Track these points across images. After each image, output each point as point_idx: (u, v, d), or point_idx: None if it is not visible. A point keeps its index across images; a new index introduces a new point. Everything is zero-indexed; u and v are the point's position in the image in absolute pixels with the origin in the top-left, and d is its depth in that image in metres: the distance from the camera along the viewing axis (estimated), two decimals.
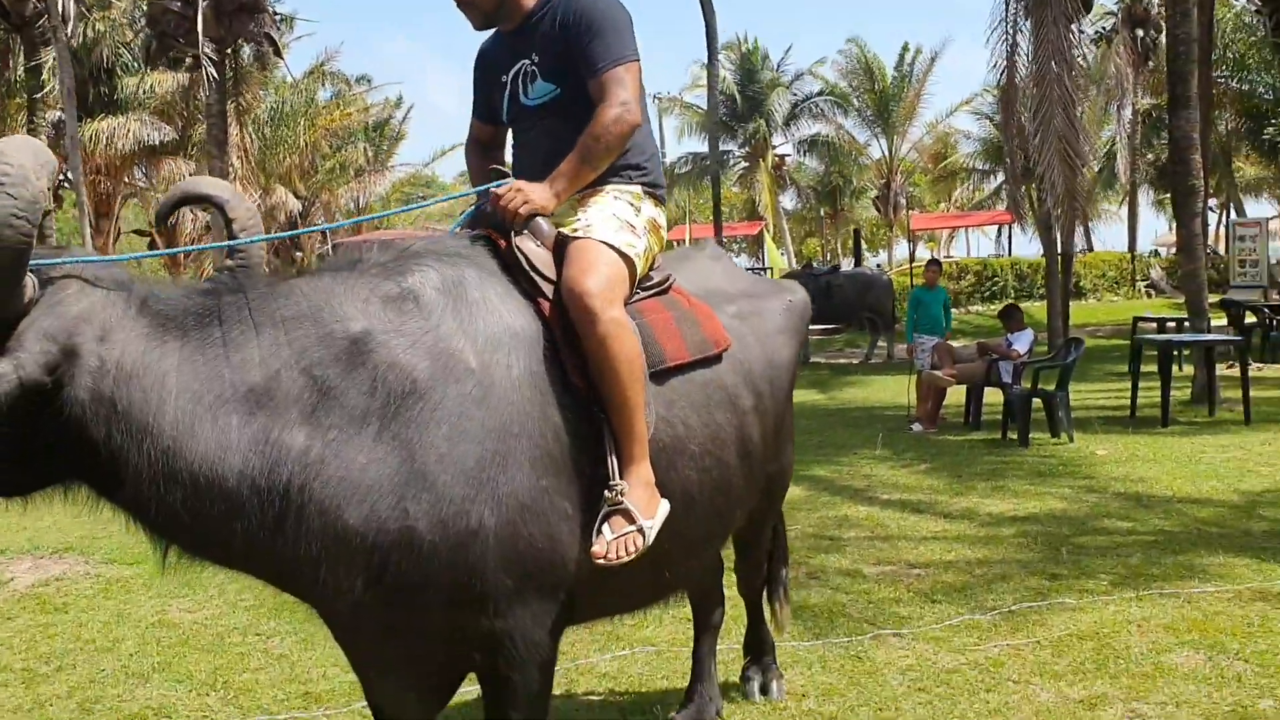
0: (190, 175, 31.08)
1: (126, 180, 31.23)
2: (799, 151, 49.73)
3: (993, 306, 30.34)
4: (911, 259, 33.41)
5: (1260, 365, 14.79)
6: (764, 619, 4.23)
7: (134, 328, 2.32)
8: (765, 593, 4.20)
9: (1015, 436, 9.95)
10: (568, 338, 2.68)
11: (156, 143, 28.11)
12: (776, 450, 3.50)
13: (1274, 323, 17.13)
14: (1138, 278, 35.80)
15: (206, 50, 16.20)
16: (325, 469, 2.34)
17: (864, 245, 54.72)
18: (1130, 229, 40.62)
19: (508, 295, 2.69)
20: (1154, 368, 11.53)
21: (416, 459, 2.39)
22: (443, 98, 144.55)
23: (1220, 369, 11.92)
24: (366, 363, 2.42)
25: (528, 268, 2.74)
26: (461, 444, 2.44)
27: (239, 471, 2.31)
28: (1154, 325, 17.15)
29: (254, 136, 24.31)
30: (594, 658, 4.67)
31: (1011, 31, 22.01)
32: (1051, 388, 10.15)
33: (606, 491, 2.64)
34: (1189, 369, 13.28)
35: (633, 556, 2.59)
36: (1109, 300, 33.41)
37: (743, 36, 48.25)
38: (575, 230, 2.86)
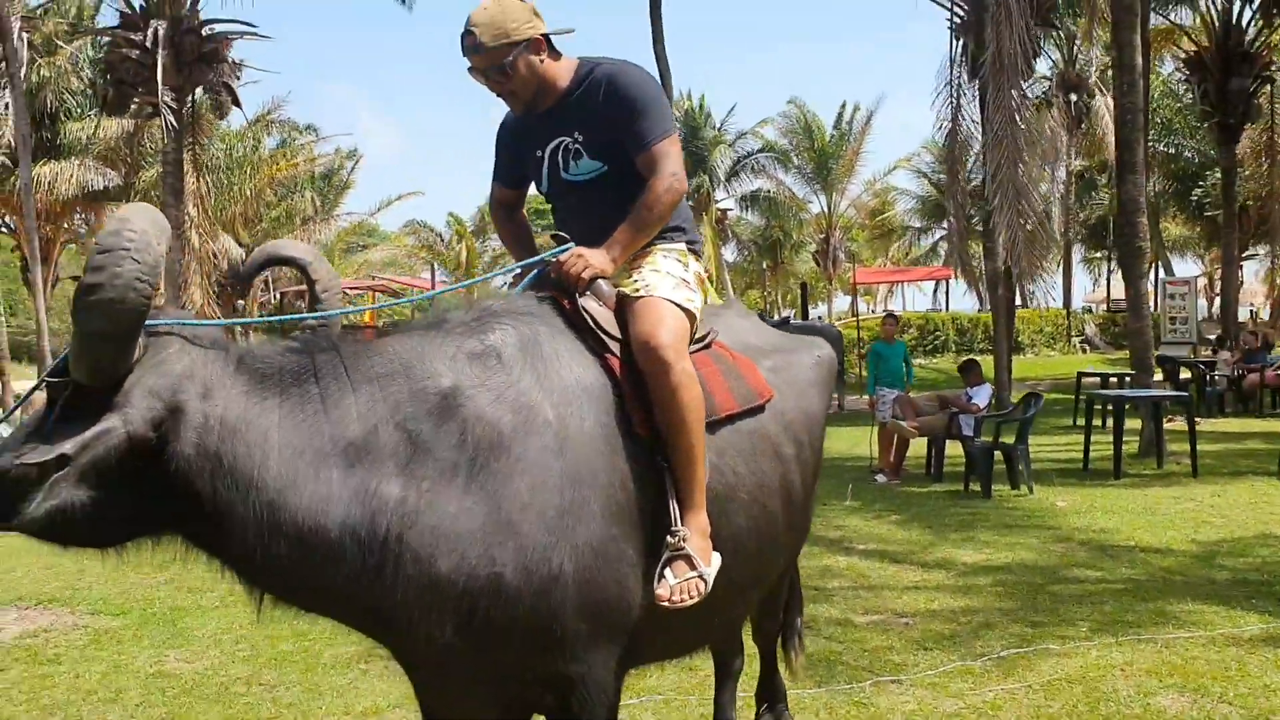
0: None
1: (66, 226, 30.83)
2: (741, 206, 50.54)
3: (935, 360, 31.03)
4: (855, 313, 34.03)
5: (1198, 420, 15.31)
6: (777, 667, 4.36)
7: (234, 385, 2.41)
8: (780, 640, 4.33)
9: (978, 488, 10.24)
10: (634, 391, 2.83)
11: (100, 188, 27.82)
12: (810, 499, 3.67)
13: (1209, 378, 17.77)
14: (1073, 333, 36.79)
15: (166, 99, 16.15)
16: (420, 519, 2.44)
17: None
18: (1065, 287, 41.82)
19: (576, 352, 2.84)
20: (1099, 421, 11.95)
21: (502, 508, 2.51)
22: (380, 149, 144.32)
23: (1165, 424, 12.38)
24: (456, 416, 2.53)
25: (594, 326, 2.89)
26: (543, 494, 2.56)
27: (341, 522, 2.40)
28: (1097, 380, 17.70)
29: (210, 185, 24.13)
30: None
31: (956, 94, 22.86)
32: (1011, 441, 10.47)
33: (669, 537, 2.77)
34: (1133, 423, 13.74)
35: (694, 601, 2.73)
36: (1046, 355, 34.29)
37: (686, 94, 49.20)
38: (637, 290, 3.02)
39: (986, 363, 13.64)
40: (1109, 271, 50.72)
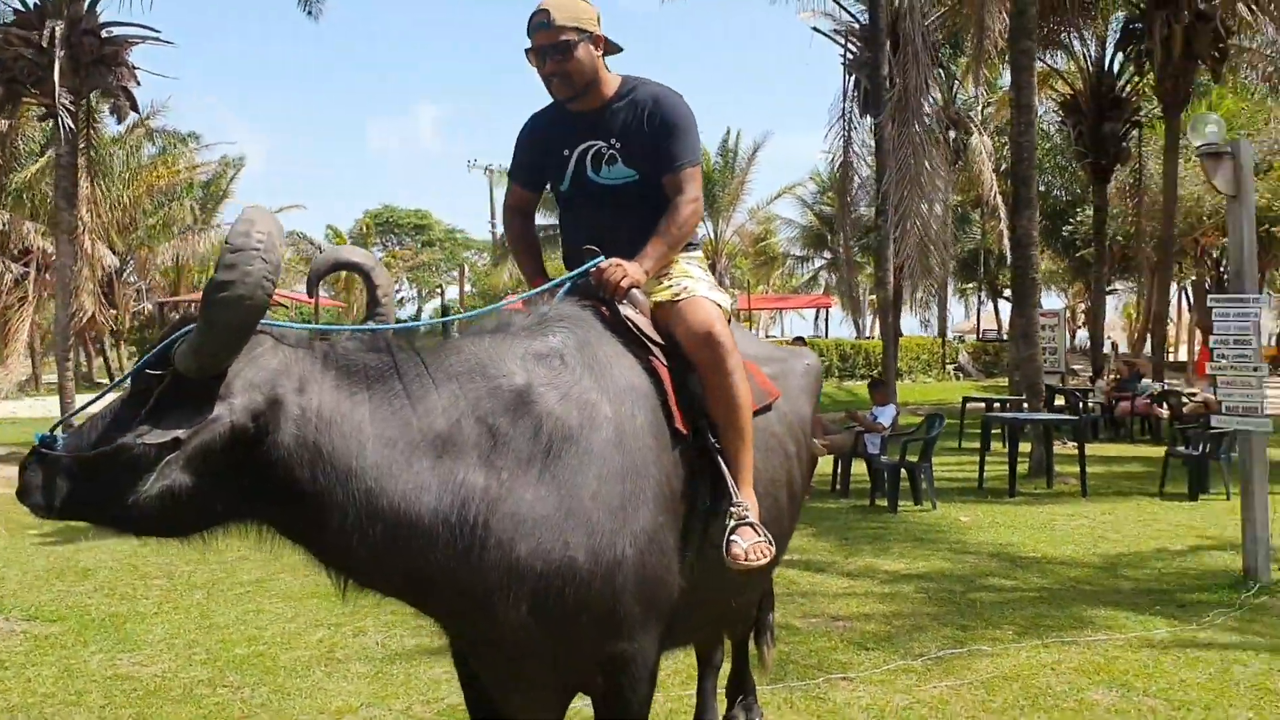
0: (3, 223, 29.72)
1: None
2: None
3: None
4: None
5: (1070, 443, 16.16)
6: (749, 662, 4.57)
7: (325, 380, 2.52)
8: (754, 636, 4.54)
9: (883, 503, 10.67)
10: (675, 390, 3.02)
11: None
12: (800, 499, 3.89)
13: (1083, 405, 18.73)
14: (948, 361, 38.18)
15: (64, 101, 15.61)
16: (501, 505, 2.58)
17: None
18: (940, 316, 43.42)
19: (622, 354, 3.01)
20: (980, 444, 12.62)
21: (574, 497, 2.66)
22: (261, 160, 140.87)
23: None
24: (530, 412, 2.68)
25: (637, 331, 3.08)
26: (608, 484, 2.72)
27: (433, 509, 2.52)
28: (981, 405, 18.49)
29: (104, 190, 23.32)
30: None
31: (847, 128, 23.67)
32: (915, 459, 10.93)
33: (731, 508, 2.97)
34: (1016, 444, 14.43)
35: (764, 561, 2.93)
36: (923, 381, 35.48)
37: None
38: (676, 295, 3.21)
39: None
40: (979, 303, 52.80)
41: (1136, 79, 23.81)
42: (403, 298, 71.83)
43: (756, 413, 3.34)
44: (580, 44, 3.18)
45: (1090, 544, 8.78)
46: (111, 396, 2.59)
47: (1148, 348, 30.52)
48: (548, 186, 3.58)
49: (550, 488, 2.64)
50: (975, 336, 49.56)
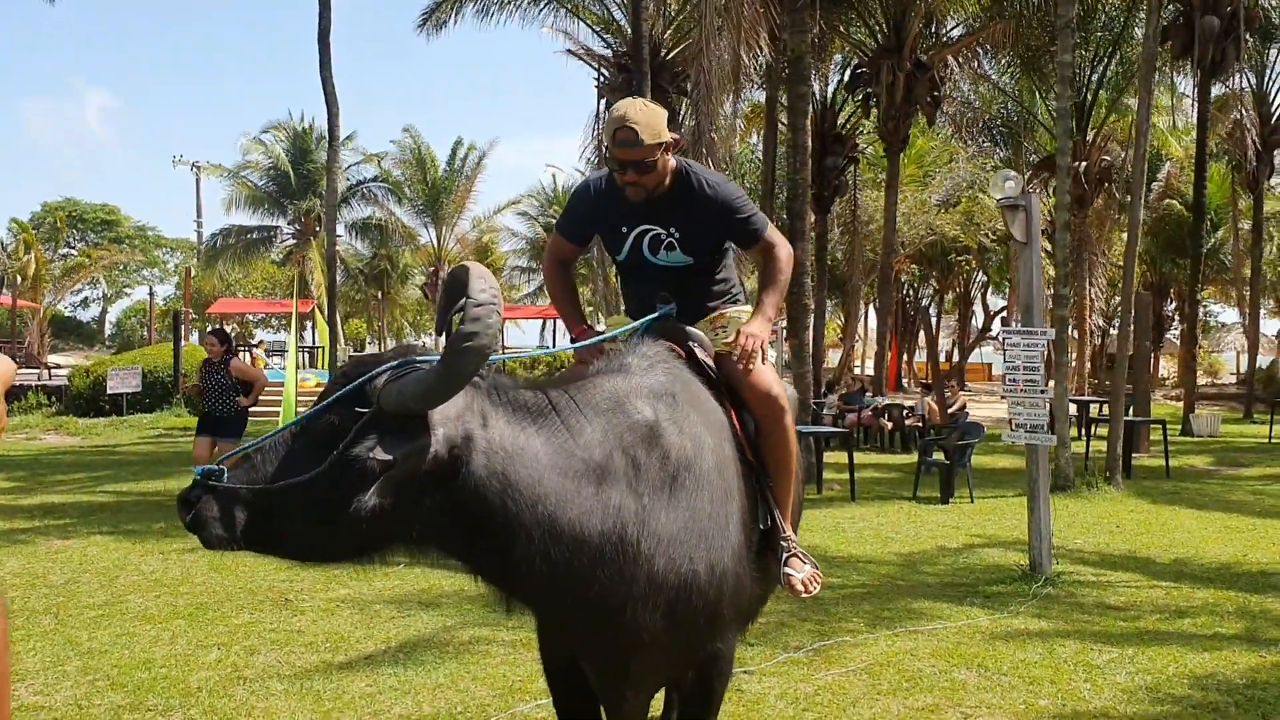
0: None
1: None
2: (350, 233, 50.00)
3: None
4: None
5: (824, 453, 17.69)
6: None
7: (500, 415, 2.80)
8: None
9: None
10: (744, 426, 3.48)
11: None
12: None
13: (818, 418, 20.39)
14: None
15: None
16: (644, 526, 2.94)
17: (414, 329, 55.35)
18: None
19: (707, 393, 3.44)
20: None
21: (694, 517, 3.06)
22: None
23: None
24: (659, 444, 3.05)
25: (715, 376, 3.52)
26: (716, 505, 3.14)
27: (599, 531, 2.84)
28: None
29: None
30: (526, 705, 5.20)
31: (600, 150, 24.51)
32: None
33: (783, 541, 3.45)
34: None
35: (818, 590, 3.42)
36: None
37: (299, 116, 48.16)
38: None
39: None
40: None
41: (860, 118, 26.03)
42: (86, 298, 66.72)
43: None
44: (660, 156, 3.50)
45: (881, 544, 9.83)
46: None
47: (870, 366, 33.13)
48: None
49: (678, 510, 3.03)
50: None
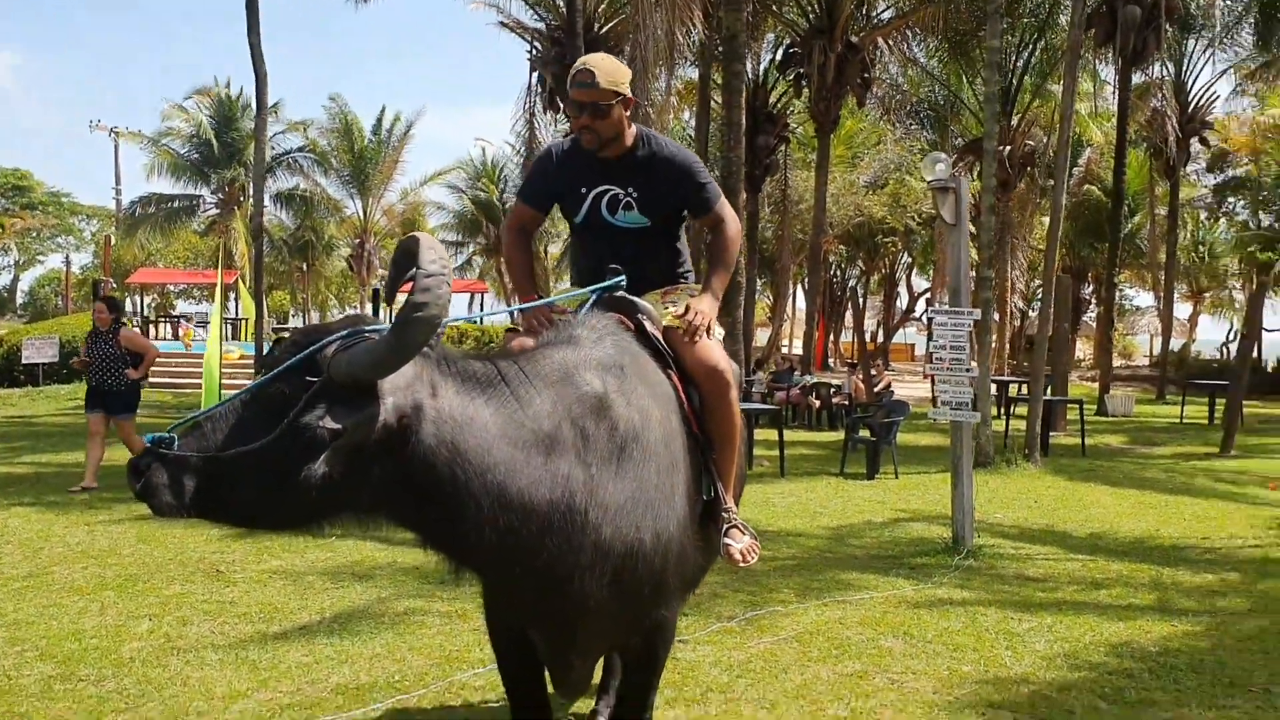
0: None
1: None
2: (275, 204, 49.12)
3: None
4: None
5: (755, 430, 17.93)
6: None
7: (449, 385, 2.84)
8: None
9: None
10: (690, 398, 3.55)
11: None
12: None
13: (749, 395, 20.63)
14: None
15: None
16: (592, 496, 3.00)
17: (337, 302, 54.68)
18: None
19: (654, 366, 3.50)
20: None
21: (640, 487, 3.13)
22: None
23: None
24: (607, 415, 3.11)
25: (663, 349, 3.58)
26: (661, 475, 3.21)
27: (548, 499, 2.89)
28: None
29: None
30: (466, 673, 5.24)
31: (531, 120, 24.44)
32: None
33: (724, 512, 3.54)
34: None
35: (755, 560, 3.51)
36: None
37: (225, 82, 47.02)
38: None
39: None
40: None
41: (791, 98, 26.21)
42: None
43: None
44: (615, 105, 3.61)
45: (810, 518, 10.03)
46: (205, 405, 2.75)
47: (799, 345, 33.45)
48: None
49: (625, 480, 3.10)
50: None
